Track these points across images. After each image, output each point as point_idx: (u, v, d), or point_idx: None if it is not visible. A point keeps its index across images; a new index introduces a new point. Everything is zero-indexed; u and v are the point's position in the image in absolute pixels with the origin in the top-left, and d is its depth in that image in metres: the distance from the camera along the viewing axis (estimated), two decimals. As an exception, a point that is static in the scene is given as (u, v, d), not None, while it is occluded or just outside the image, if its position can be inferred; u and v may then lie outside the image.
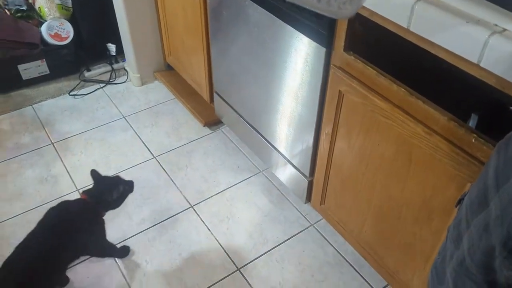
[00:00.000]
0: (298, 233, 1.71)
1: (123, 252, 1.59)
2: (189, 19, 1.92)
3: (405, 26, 0.98)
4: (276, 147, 1.72)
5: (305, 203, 1.72)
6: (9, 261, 1.25)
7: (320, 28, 1.22)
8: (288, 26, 1.34)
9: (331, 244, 1.67)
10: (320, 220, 1.75)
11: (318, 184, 1.54)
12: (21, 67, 2.28)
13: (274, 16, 1.38)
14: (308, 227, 1.73)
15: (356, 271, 1.58)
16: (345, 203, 1.45)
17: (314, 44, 1.27)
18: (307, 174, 1.59)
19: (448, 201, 1.03)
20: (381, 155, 1.19)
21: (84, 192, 1.44)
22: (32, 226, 1.69)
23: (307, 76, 1.36)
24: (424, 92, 1.04)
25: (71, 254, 1.37)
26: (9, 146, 2.05)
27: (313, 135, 1.45)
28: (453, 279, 0.70)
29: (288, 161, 1.67)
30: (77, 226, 1.35)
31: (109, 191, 1.40)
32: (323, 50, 1.24)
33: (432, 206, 1.09)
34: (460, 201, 0.75)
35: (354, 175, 1.34)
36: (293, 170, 1.66)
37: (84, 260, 1.55)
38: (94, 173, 1.45)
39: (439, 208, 1.07)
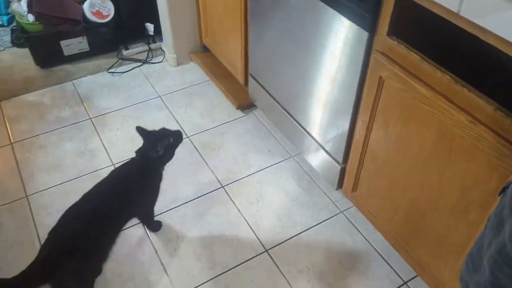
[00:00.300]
0: (327, 219, 1.71)
1: (156, 226, 1.64)
2: (229, 0, 1.92)
3: (455, 10, 0.95)
4: (309, 132, 1.71)
5: (336, 190, 1.71)
6: (66, 218, 1.28)
7: (364, 11, 1.19)
8: (330, 9, 1.32)
9: (360, 232, 1.66)
10: (350, 208, 1.74)
11: (351, 171, 1.53)
12: (63, 43, 2.35)
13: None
14: (337, 214, 1.73)
15: (385, 260, 1.57)
16: (378, 192, 1.43)
17: (356, 27, 1.25)
18: (340, 160, 1.58)
19: (488, 193, 1.01)
20: (420, 144, 1.17)
21: (136, 151, 1.44)
22: (69, 197, 1.76)
23: (346, 61, 1.34)
24: (469, 80, 1.01)
25: (126, 213, 1.40)
26: (50, 119, 2.12)
27: (349, 121, 1.43)
28: (490, 267, 0.69)
29: (321, 146, 1.66)
30: (132, 185, 1.38)
31: (153, 146, 1.39)
32: (366, 34, 1.22)
33: (471, 197, 1.06)
34: (504, 190, 0.73)
35: (390, 163, 1.32)
36: (326, 156, 1.65)
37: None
38: (140, 130, 1.43)
39: (478, 200, 1.05)
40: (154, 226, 1.63)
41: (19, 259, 1.52)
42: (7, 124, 2.08)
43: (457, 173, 1.08)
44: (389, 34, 1.16)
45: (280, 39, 1.66)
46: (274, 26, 1.66)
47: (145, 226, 1.64)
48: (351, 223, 1.69)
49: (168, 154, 1.44)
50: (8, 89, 2.26)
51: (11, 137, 2.01)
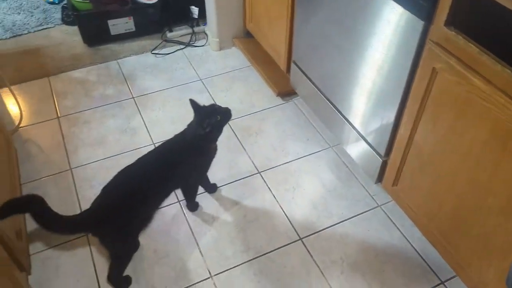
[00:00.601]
0: (364, 212, 1.68)
1: (194, 206, 1.66)
2: (277, -15, 1.90)
3: (522, 0, 0.90)
4: (351, 122, 1.68)
5: (375, 183, 1.67)
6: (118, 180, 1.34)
7: (421, -1, 1.15)
8: (384, -4, 1.28)
9: (397, 228, 1.62)
10: (388, 202, 1.71)
11: (393, 165, 1.49)
12: (110, 22, 2.40)
13: (370, -15, 1.33)
14: (375, 208, 1.70)
15: (422, 258, 1.53)
16: (421, 187, 1.39)
17: (410, 15, 1.20)
18: (382, 153, 1.54)
19: (545, 194, 0.96)
20: (471, 140, 1.13)
21: (188, 124, 1.45)
22: (111, 172, 1.80)
23: (396, 50, 1.30)
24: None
25: (171, 183, 1.44)
26: (95, 95, 2.18)
27: (395, 113, 1.40)
28: None
29: (363, 137, 1.63)
30: (178, 157, 1.40)
31: (200, 123, 1.38)
32: (421, 23, 1.18)
33: (525, 198, 1.02)
34: None
35: (437, 159, 1.28)
36: (367, 147, 1.62)
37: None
38: (192, 103, 1.42)
39: (532, 201, 1.00)
40: (192, 205, 1.66)
41: (62, 228, 1.58)
42: (54, 98, 2.15)
43: (510, 172, 1.04)
44: (447, 24, 1.11)
45: (327, 26, 1.63)
46: (321, 12, 1.63)
47: (185, 204, 1.67)
48: (389, 218, 1.66)
49: (215, 132, 1.43)
50: (56, 65, 2.33)
51: (58, 111, 2.08)
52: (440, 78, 1.17)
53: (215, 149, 1.52)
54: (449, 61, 1.12)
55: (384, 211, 1.68)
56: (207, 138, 1.43)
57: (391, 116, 1.42)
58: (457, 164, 1.20)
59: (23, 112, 2.05)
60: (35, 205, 1.18)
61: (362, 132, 1.63)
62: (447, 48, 1.13)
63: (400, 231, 1.61)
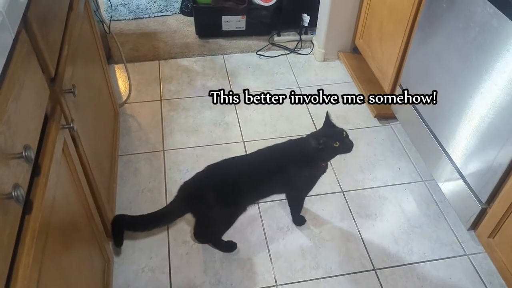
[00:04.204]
0: (448, 258, 1.56)
1: (298, 220, 1.64)
2: (398, 3, 1.83)
3: None
4: (452, 158, 1.57)
5: (467, 230, 1.54)
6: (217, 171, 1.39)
7: None
8: (523, 32, 1.17)
9: (484, 284, 1.48)
10: (477, 253, 1.56)
11: (494, 215, 1.36)
12: (224, 18, 2.49)
13: (508, 19, 1.22)
14: (461, 256, 1.56)
15: (508, 324, 1.38)
16: (524, 246, 1.25)
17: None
18: (483, 199, 1.41)
19: None
20: None
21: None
22: (199, 160, 1.87)
23: (527, 93, 1.18)
24: None
25: (271, 186, 1.45)
26: (197, 85, 2.27)
27: (510, 159, 1.27)
28: None
29: (462, 177, 1.51)
30: (289, 162, 1.40)
31: (318, 138, 1.34)
32: None
33: None
34: None
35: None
36: (466, 189, 1.49)
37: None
38: (327, 117, 1.42)
39: None
40: (297, 219, 1.64)
41: (146, 203, 1.67)
42: (161, 82, 2.28)
43: None
44: None
45: (447, 54, 1.53)
46: (444, 39, 1.54)
47: (263, 208, 1.68)
48: (476, 270, 1.52)
49: (327, 154, 1.39)
50: (168, 51, 2.47)
51: (162, 94, 2.20)
52: None
53: (325, 168, 1.47)
54: None
55: (471, 262, 1.54)
56: (317, 155, 1.38)
57: (503, 161, 1.30)
58: None
59: (132, 89, 2.20)
60: (125, 222, 1.40)
61: (462, 171, 1.51)
62: None
63: (486, 287, 1.47)
